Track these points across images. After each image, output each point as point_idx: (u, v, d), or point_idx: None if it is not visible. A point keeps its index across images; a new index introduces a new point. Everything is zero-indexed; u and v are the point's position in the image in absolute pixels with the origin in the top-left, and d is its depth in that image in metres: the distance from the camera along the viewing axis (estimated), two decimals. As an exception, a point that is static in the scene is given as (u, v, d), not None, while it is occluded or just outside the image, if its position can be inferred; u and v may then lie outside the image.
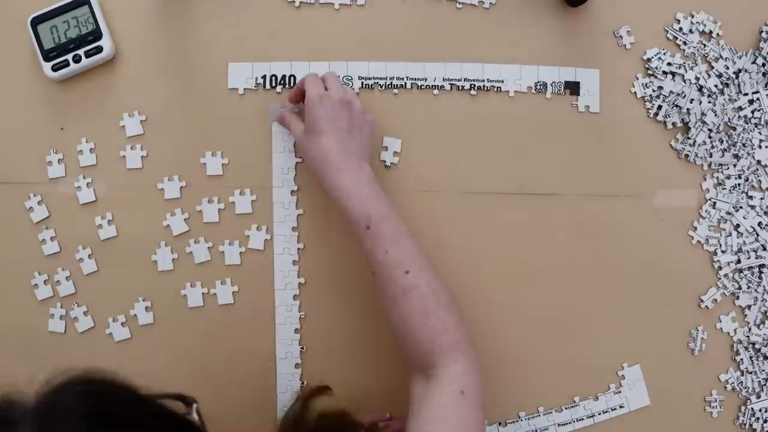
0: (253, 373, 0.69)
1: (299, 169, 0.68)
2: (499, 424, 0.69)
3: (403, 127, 0.69)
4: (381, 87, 0.69)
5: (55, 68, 0.67)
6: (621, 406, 0.69)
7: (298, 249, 0.68)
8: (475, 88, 0.69)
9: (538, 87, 0.70)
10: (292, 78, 0.68)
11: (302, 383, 0.69)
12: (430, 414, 0.53)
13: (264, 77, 0.68)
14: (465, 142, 0.69)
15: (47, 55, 0.67)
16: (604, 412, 0.69)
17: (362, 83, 0.69)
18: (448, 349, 0.56)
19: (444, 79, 0.69)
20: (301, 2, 0.68)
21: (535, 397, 0.70)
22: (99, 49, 0.67)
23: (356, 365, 0.69)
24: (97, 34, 0.67)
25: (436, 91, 0.69)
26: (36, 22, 0.67)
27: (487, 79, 0.69)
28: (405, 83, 0.69)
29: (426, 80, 0.69)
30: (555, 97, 0.69)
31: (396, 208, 0.61)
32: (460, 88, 0.69)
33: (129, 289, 0.68)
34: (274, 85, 0.69)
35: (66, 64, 0.67)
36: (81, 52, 0.67)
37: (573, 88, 0.70)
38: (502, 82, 0.69)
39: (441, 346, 0.56)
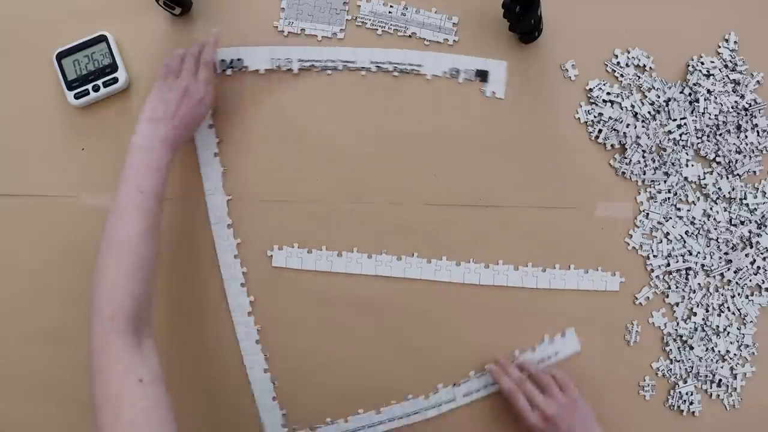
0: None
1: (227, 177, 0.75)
2: (454, 384, 0.76)
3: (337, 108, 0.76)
4: (317, 69, 0.75)
5: (77, 96, 0.75)
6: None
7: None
8: (398, 70, 0.75)
9: (452, 72, 0.76)
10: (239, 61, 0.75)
11: (274, 384, 0.76)
12: None
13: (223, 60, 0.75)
14: (407, 153, 0.76)
15: (70, 85, 0.75)
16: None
17: (301, 65, 0.75)
18: None
19: (371, 62, 0.75)
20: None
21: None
22: (115, 80, 0.75)
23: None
24: (113, 67, 0.75)
25: (363, 73, 0.75)
26: (60, 56, 0.75)
27: (408, 63, 0.75)
28: (337, 66, 0.75)
29: (355, 62, 0.75)
30: (466, 82, 0.76)
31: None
32: (385, 70, 0.75)
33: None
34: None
35: (87, 92, 0.75)
36: (100, 82, 0.75)
37: (483, 75, 0.76)
38: (421, 66, 0.75)
39: None
